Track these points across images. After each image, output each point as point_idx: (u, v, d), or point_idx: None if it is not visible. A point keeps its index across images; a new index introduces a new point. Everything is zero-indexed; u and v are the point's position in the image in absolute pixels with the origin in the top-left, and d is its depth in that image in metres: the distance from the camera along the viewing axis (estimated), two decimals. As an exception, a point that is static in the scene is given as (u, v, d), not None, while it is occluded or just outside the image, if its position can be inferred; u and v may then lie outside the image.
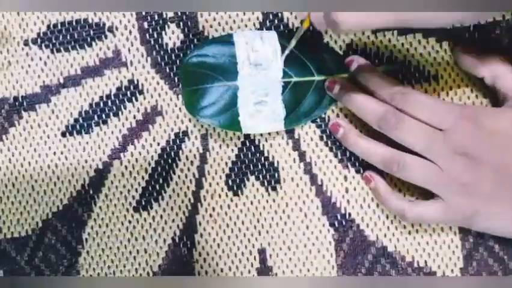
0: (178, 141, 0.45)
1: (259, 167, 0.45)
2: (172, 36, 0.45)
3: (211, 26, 0.45)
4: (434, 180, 0.39)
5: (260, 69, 0.42)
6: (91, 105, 0.46)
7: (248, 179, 0.45)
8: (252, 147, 0.45)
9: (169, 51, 0.45)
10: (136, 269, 0.46)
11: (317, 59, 0.43)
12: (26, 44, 0.46)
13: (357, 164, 0.44)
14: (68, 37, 0.46)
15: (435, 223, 0.43)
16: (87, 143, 0.46)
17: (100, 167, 0.46)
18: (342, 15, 0.34)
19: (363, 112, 0.41)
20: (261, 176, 0.45)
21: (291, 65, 0.43)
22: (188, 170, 0.45)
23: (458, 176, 0.39)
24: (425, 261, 0.44)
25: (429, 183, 0.40)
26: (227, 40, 0.43)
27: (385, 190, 0.42)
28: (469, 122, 0.38)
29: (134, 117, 0.46)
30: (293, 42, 0.41)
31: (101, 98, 0.46)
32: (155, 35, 0.45)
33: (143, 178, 0.46)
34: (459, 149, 0.38)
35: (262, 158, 0.45)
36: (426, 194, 0.42)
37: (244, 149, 0.45)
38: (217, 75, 0.43)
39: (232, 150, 0.45)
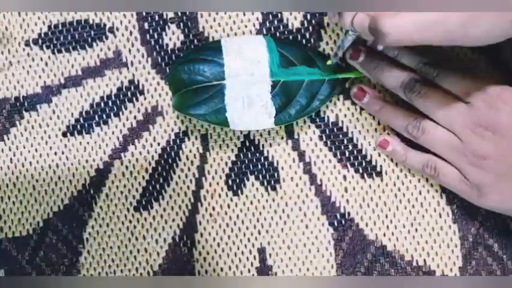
0: (178, 141, 0.46)
1: (259, 166, 0.45)
2: (173, 37, 0.45)
3: (211, 27, 0.45)
4: (451, 149, 0.39)
5: (248, 69, 0.43)
6: (91, 105, 0.46)
7: (248, 179, 0.45)
8: (252, 147, 0.45)
9: (170, 52, 0.45)
10: (136, 268, 0.46)
11: (306, 59, 0.43)
12: (27, 44, 0.46)
13: (356, 163, 0.44)
14: (69, 38, 0.46)
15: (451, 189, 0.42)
16: (88, 143, 0.46)
17: (101, 166, 0.46)
18: (389, 25, 0.33)
19: (387, 78, 0.41)
20: (260, 176, 0.45)
21: (278, 63, 0.43)
22: (189, 169, 0.46)
23: (476, 148, 0.38)
24: (424, 260, 0.44)
25: (447, 151, 0.40)
26: (215, 45, 0.43)
27: (404, 148, 0.43)
28: (494, 97, 0.38)
29: (135, 117, 0.46)
30: (340, 52, 0.41)
31: (101, 98, 0.46)
32: (156, 36, 0.45)
33: (143, 178, 0.46)
34: (482, 122, 0.38)
35: (262, 158, 0.45)
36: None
37: (244, 149, 0.45)
38: (205, 76, 0.43)
39: (232, 150, 0.45)
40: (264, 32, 0.45)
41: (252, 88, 0.42)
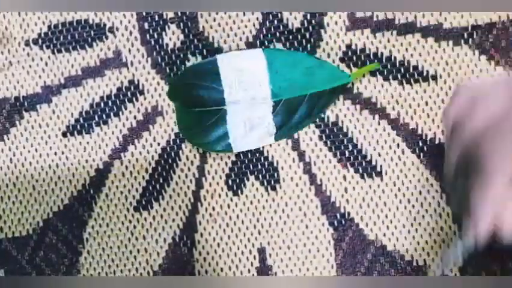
0: (178, 141, 0.46)
1: (259, 167, 0.45)
2: (173, 37, 0.45)
3: (211, 27, 0.45)
4: None
5: (248, 92, 0.42)
6: (91, 105, 0.46)
7: (248, 179, 0.45)
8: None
9: (169, 52, 0.45)
10: (136, 268, 0.46)
11: (307, 73, 0.43)
12: (27, 44, 0.46)
13: (356, 163, 0.44)
14: (69, 37, 0.46)
15: None
16: (88, 143, 0.46)
17: (101, 166, 0.46)
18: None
19: None
20: (260, 176, 0.45)
21: (280, 83, 0.42)
22: (189, 169, 0.46)
23: None
24: (424, 261, 0.44)
25: None
26: (211, 66, 0.43)
27: None
28: None
29: (135, 117, 0.46)
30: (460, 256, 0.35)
31: (101, 98, 0.46)
32: (156, 36, 0.45)
33: (143, 178, 0.46)
34: None
35: (262, 158, 0.45)
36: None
37: (244, 148, 0.45)
38: (205, 101, 0.42)
39: (232, 150, 0.45)
40: (264, 32, 0.45)
41: (253, 111, 0.42)
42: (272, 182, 0.45)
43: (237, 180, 0.45)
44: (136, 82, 0.46)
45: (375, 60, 0.44)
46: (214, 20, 0.45)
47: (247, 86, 0.42)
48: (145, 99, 0.46)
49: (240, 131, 0.43)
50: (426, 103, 0.44)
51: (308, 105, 0.43)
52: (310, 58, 0.43)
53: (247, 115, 0.42)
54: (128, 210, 0.46)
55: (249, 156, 0.45)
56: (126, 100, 0.46)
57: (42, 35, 0.46)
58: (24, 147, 0.47)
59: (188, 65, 0.45)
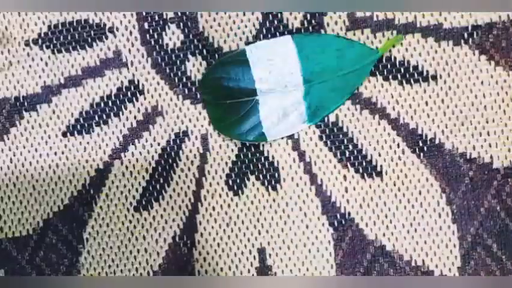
0: (178, 141, 0.46)
1: (259, 166, 0.45)
2: (173, 37, 0.45)
3: (211, 27, 0.45)
4: None
5: (279, 80, 0.42)
6: (91, 105, 0.46)
7: (248, 179, 0.45)
8: (252, 147, 0.45)
9: (170, 52, 0.45)
10: (136, 268, 0.46)
11: (338, 55, 0.43)
12: (27, 44, 0.46)
13: (356, 163, 0.45)
14: (69, 37, 0.46)
15: None
16: (88, 143, 0.46)
17: (101, 166, 0.46)
18: None
19: None
20: (261, 176, 0.45)
21: (311, 68, 0.42)
22: (189, 169, 0.46)
23: None
24: (423, 261, 0.44)
25: None
26: (241, 59, 0.43)
27: None
28: None
29: (135, 117, 0.46)
30: None
31: (101, 98, 0.46)
32: (156, 36, 0.45)
33: (143, 178, 0.46)
34: None
35: (262, 158, 0.45)
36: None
37: (244, 149, 0.45)
38: (237, 93, 0.43)
39: (232, 150, 0.45)
40: (264, 32, 0.45)
41: (285, 99, 0.42)
42: (273, 182, 0.45)
43: (237, 180, 0.45)
44: (136, 82, 0.46)
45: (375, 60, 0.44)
46: (214, 20, 0.45)
47: (278, 74, 0.43)
48: (145, 99, 0.46)
49: (273, 119, 0.43)
50: (426, 103, 0.44)
51: (340, 86, 0.43)
52: (339, 39, 0.43)
53: (279, 103, 0.43)
54: (128, 210, 0.46)
55: (249, 156, 0.45)
56: (126, 100, 0.46)
57: (42, 35, 0.46)
58: (24, 147, 0.47)
59: (188, 64, 0.45)
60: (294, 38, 0.43)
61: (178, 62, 0.45)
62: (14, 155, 0.47)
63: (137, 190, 0.46)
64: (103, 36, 0.46)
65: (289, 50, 0.43)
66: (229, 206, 0.46)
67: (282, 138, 0.45)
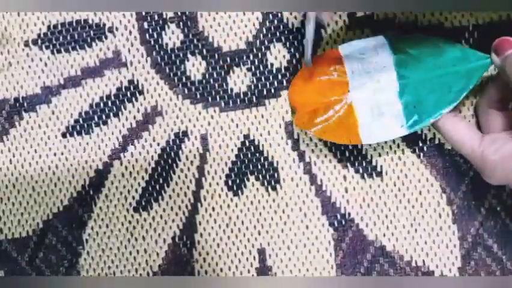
0: (178, 141, 0.45)
1: (259, 167, 0.45)
2: (172, 37, 0.45)
3: (211, 27, 0.45)
4: None
5: (373, 77, 0.41)
6: (91, 105, 0.46)
7: (248, 179, 0.45)
8: (252, 147, 0.45)
9: (169, 52, 0.45)
10: (136, 269, 0.46)
11: (433, 52, 0.40)
12: (26, 44, 0.46)
13: (356, 163, 0.45)
14: (69, 38, 0.46)
15: None
16: (87, 143, 0.46)
17: (100, 167, 0.46)
18: None
19: None
20: (260, 176, 0.45)
21: (405, 64, 0.40)
22: (189, 170, 0.46)
23: None
24: (423, 261, 0.44)
25: None
26: (334, 56, 0.42)
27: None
28: None
29: (134, 117, 0.46)
30: None
31: (101, 98, 0.46)
32: (155, 35, 0.45)
33: (143, 178, 0.46)
34: None
35: (262, 158, 0.45)
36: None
37: (244, 149, 0.45)
38: (328, 91, 0.41)
39: (232, 150, 0.45)
40: (264, 32, 0.44)
41: (379, 96, 0.40)
42: (272, 182, 0.45)
43: (237, 181, 0.45)
44: (136, 82, 0.46)
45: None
46: (214, 20, 0.45)
47: (371, 69, 0.41)
48: (144, 99, 0.46)
49: (367, 118, 0.40)
50: (427, 103, 0.44)
51: (440, 87, 0.39)
52: (439, 40, 0.41)
53: (373, 101, 0.40)
54: (127, 210, 0.46)
55: (249, 156, 0.45)
56: (126, 100, 0.46)
57: (42, 35, 0.46)
58: (23, 148, 0.46)
59: (188, 64, 0.45)
60: (387, 36, 0.41)
61: (177, 61, 0.45)
62: (14, 156, 0.47)
63: (136, 190, 0.46)
64: (103, 36, 0.46)
65: (381, 44, 0.41)
66: (228, 206, 0.45)
67: (282, 138, 0.45)
